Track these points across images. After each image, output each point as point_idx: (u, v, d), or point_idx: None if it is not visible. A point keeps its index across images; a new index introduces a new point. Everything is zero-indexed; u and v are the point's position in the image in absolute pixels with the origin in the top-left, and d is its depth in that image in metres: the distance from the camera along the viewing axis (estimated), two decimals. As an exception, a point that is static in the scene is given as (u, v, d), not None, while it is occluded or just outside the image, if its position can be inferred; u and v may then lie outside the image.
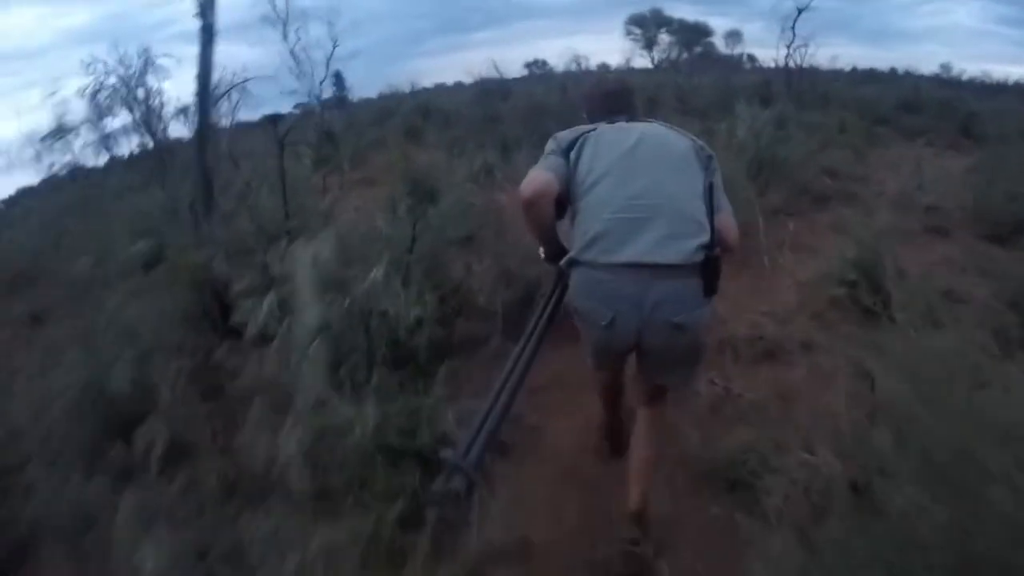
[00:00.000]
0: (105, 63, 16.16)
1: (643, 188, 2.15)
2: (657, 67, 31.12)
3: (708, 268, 2.10)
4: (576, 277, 2.23)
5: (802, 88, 15.00)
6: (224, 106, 20.16)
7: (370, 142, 14.22)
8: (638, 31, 32.80)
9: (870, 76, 26.53)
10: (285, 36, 19.64)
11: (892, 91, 17.30)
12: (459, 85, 28.80)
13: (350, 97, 33.56)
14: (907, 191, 6.94)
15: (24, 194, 21.00)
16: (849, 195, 7.01)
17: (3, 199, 19.95)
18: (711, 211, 2.19)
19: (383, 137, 14.44)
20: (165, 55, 17.52)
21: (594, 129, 2.35)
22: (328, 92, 34.20)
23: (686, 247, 2.07)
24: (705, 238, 2.11)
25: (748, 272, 4.81)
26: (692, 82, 16.72)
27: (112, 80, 16.86)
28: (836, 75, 22.17)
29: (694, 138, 2.37)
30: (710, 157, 2.31)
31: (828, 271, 4.39)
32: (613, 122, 2.41)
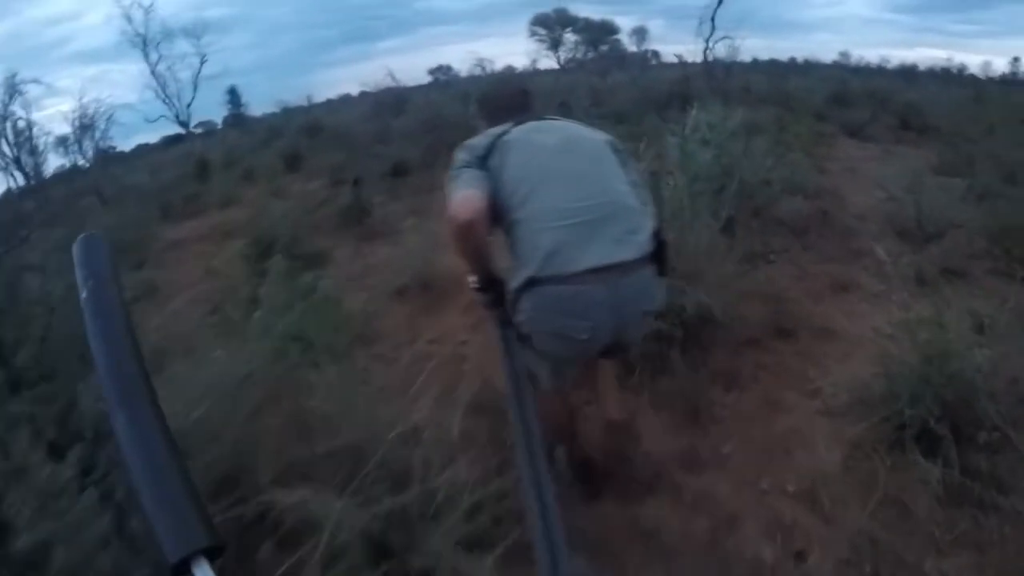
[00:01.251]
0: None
1: (586, 188, 1.99)
2: (564, 67, 29.44)
3: (660, 252, 2.00)
4: (538, 297, 1.94)
5: (725, 84, 13.41)
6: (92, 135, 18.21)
7: (246, 172, 12.17)
8: (543, 32, 31.03)
9: (774, 67, 25.63)
10: (146, 56, 17.74)
11: (817, 84, 15.88)
12: (365, 96, 26.59)
13: (247, 113, 31.26)
14: (888, 208, 5.55)
15: None
16: (825, 218, 5.43)
17: None
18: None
19: (261, 165, 12.33)
20: (34, 81, 15.73)
21: (506, 132, 2.12)
22: (223, 110, 32.22)
23: (641, 239, 1.96)
24: (652, 226, 2.02)
25: (744, 388, 3.09)
26: (606, 82, 14.97)
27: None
28: (743, 68, 20.82)
29: (604, 132, 2.26)
30: (623, 151, 2.20)
31: (870, 389, 2.70)
32: (520, 123, 2.18)
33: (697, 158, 4.72)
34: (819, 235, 5.02)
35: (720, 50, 15.96)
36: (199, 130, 32.59)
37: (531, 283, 1.92)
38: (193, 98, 18.99)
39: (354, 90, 29.96)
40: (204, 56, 18.91)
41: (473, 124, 2.47)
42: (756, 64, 25.72)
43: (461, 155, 2.11)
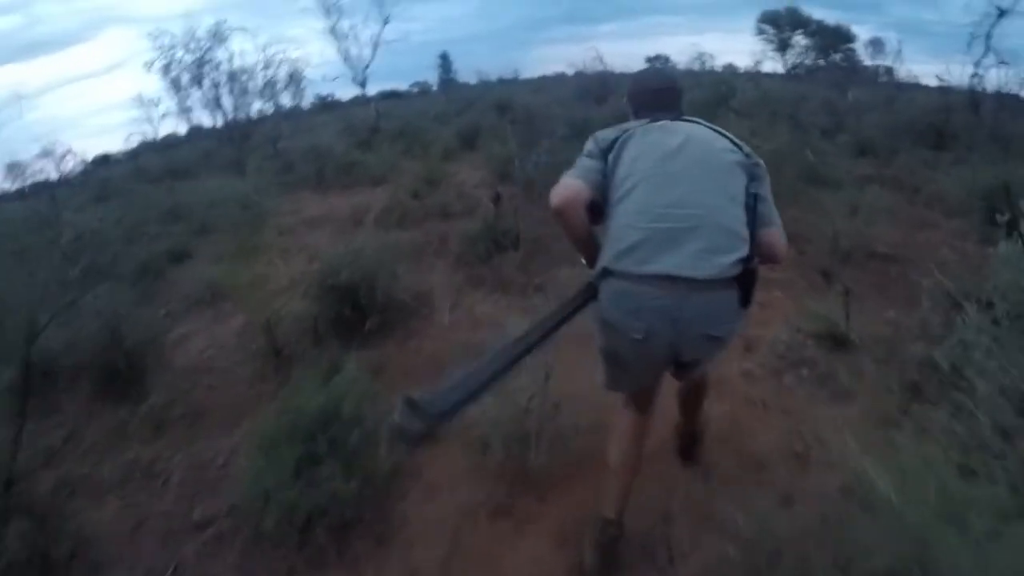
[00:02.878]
0: (171, 35, 14.60)
1: (683, 196, 1.91)
2: (790, 72, 25.74)
3: (745, 280, 1.89)
4: (607, 288, 1.95)
5: (1002, 124, 10.17)
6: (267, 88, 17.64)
7: (412, 145, 10.62)
8: (771, 31, 27.26)
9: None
10: (327, 13, 16.88)
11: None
12: (578, 76, 24.23)
13: (457, 79, 30.24)
14: None
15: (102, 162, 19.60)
16: None
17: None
18: (753, 221, 1.96)
19: (436, 139, 10.72)
20: (241, 29, 15.52)
21: (634, 128, 2.10)
22: (434, 75, 31.35)
23: (724, 261, 1.84)
24: (744, 251, 1.88)
25: None
26: (847, 98, 11.95)
27: (180, 53, 15.30)
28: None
29: (740, 142, 2.09)
30: (757, 165, 2.05)
31: None
32: (657, 120, 2.13)
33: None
34: None
35: (992, 78, 12.24)
36: (415, 89, 32.07)
37: (605, 273, 1.93)
38: (371, 61, 17.78)
39: (569, 70, 27.67)
40: (387, 18, 17.66)
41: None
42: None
43: (588, 144, 2.11)
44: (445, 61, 30.98)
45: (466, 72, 30.36)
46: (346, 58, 17.46)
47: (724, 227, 1.88)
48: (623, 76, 19.57)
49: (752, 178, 1.99)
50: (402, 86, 31.94)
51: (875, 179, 7.06)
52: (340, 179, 9.17)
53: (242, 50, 16.11)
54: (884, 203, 5.72)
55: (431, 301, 4.24)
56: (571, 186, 1.95)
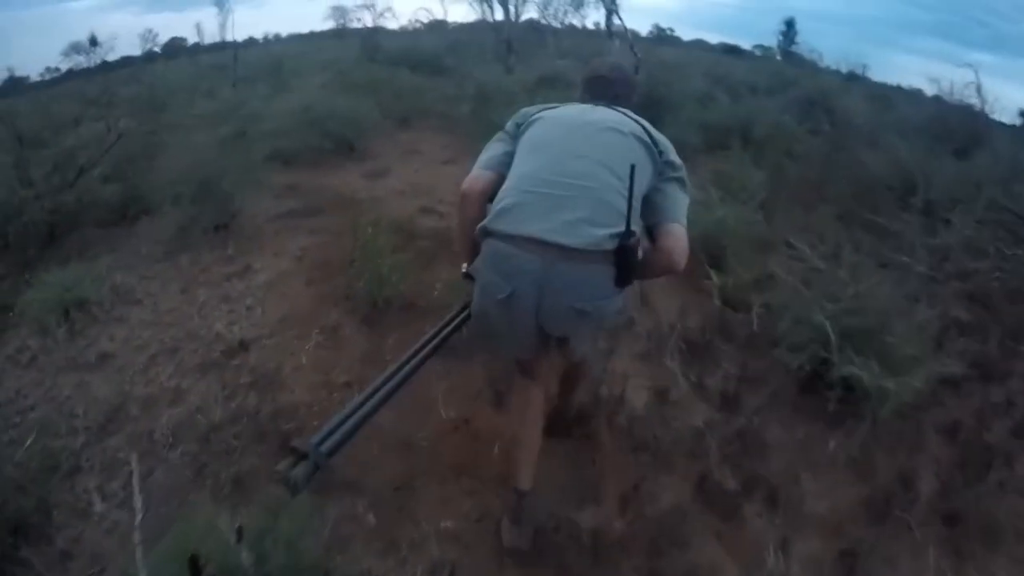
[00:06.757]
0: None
1: (574, 167, 1.79)
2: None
3: (622, 257, 1.72)
4: (485, 248, 1.84)
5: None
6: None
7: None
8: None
9: None
10: None
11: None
12: (940, 102, 17.67)
13: (797, 52, 25.19)
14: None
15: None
16: None
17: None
18: (651, 214, 1.86)
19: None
20: None
21: (550, 108, 2.03)
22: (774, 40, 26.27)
23: (598, 233, 1.71)
24: (621, 228, 1.72)
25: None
26: None
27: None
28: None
29: (660, 138, 1.92)
30: (669, 164, 1.90)
31: None
32: (576, 103, 2.08)
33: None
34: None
35: None
36: (757, 51, 27.07)
37: (484, 233, 1.83)
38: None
39: (929, 88, 19.42)
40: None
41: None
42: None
43: (509, 121, 2.05)
44: (790, 29, 25.98)
45: (809, 47, 24.85)
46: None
47: (607, 202, 1.75)
48: (998, 126, 13.61)
49: (659, 174, 1.88)
50: (745, 44, 27.48)
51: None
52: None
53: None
54: None
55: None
56: (482, 178, 1.93)
